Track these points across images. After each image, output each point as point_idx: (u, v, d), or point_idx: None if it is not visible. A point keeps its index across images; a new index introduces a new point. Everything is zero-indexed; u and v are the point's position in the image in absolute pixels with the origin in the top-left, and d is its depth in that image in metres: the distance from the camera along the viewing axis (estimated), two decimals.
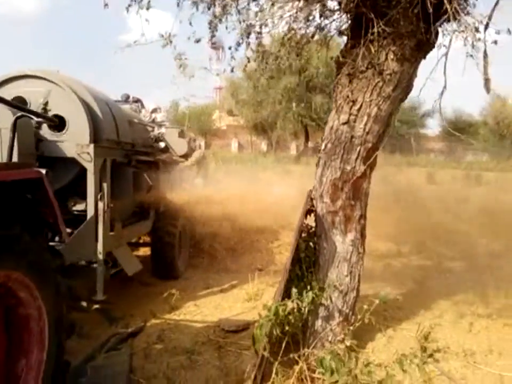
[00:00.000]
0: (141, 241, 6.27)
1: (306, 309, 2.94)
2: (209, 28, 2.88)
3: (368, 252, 6.52)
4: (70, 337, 2.65)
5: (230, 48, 3.12)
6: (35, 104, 3.77)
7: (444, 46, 2.69)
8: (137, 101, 6.59)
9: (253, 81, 20.80)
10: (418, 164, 21.08)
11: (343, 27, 2.96)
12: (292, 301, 2.85)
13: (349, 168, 2.99)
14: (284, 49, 3.28)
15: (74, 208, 4.03)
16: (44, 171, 2.31)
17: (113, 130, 4.20)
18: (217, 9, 2.84)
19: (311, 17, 2.94)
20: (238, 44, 3.03)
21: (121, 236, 4.38)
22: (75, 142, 3.70)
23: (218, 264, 6.28)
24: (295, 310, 2.89)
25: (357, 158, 2.97)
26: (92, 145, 3.67)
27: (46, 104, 3.79)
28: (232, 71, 3.31)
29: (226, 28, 2.95)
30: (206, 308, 4.61)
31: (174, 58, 2.42)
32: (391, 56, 2.74)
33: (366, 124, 2.89)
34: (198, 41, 2.91)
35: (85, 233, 3.71)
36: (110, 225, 4.08)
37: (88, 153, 3.66)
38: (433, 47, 2.78)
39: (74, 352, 3.44)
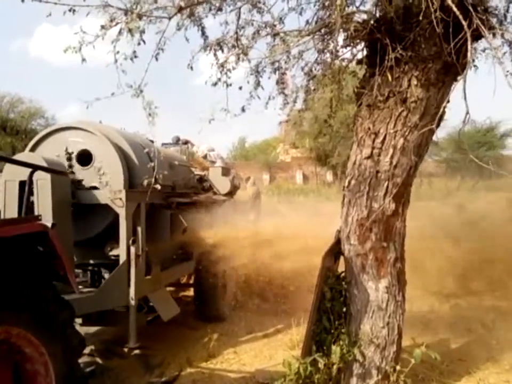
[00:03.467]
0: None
1: (335, 367, 2.63)
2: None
3: (435, 290, 5.93)
4: None
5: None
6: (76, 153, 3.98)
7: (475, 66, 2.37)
8: (186, 142, 6.78)
9: (314, 112, 20.76)
10: (501, 188, 19.33)
11: (359, 55, 2.75)
12: (319, 358, 2.57)
13: (376, 206, 2.70)
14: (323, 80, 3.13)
15: (111, 253, 4.08)
16: (49, 224, 2.34)
17: (150, 175, 4.27)
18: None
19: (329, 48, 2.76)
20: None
21: (159, 280, 4.36)
22: (110, 189, 3.79)
23: (266, 306, 6.02)
24: (322, 368, 2.60)
25: (385, 195, 2.68)
26: (123, 191, 3.74)
27: (84, 153, 3.98)
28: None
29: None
30: (246, 356, 4.37)
31: (144, 107, 2.38)
32: (414, 82, 2.47)
33: (392, 157, 2.61)
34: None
35: (117, 279, 3.73)
36: (146, 268, 4.09)
37: (121, 198, 3.73)
38: (465, 67, 2.47)
39: None
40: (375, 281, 2.79)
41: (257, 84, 2.77)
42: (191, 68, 2.52)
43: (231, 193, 6.11)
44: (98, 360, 4.24)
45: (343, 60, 2.88)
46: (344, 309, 2.93)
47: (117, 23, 2.12)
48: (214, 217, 5.35)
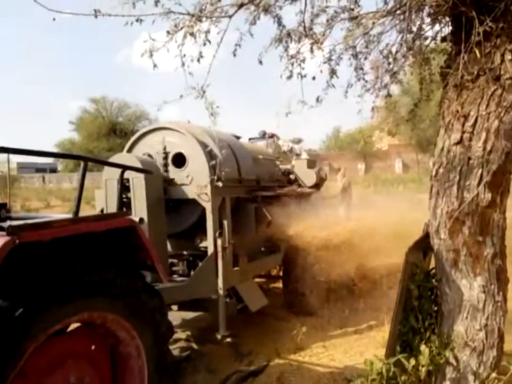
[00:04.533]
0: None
1: (424, 369, 2.46)
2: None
3: None
4: (173, 376, 2.75)
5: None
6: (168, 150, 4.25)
7: None
8: (272, 136, 6.83)
9: (411, 96, 19.49)
10: None
11: (444, 33, 2.49)
12: (404, 359, 2.43)
13: (469, 196, 2.44)
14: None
15: (201, 245, 4.31)
16: (137, 219, 2.53)
17: (234, 169, 4.40)
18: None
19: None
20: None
21: (246, 271, 4.48)
22: (196, 184, 3.99)
23: (358, 301, 5.83)
24: (410, 370, 2.45)
25: (479, 184, 2.41)
26: (208, 186, 3.90)
27: (179, 155, 4.22)
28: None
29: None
30: (335, 351, 4.30)
31: (206, 108, 2.39)
32: (508, 57, 2.16)
33: (485, 142, 2.33)
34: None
35: (205, 270, 3.92)
36: (233, 260, 4.24)
37: (206, 193, 3.90)
38: None
39: None
40: (470, 279, 2.53)
41: (332, 73, 2.67)
42: (260, 62, 2.52)
43: (317, 186, 6.02)
44: (194, 345, 4.49)
45: (425, 38, 2.64)
46: (435, 308, 2.71)
47: (181, 28, 2.20)
48: (300, 209, 5.33)
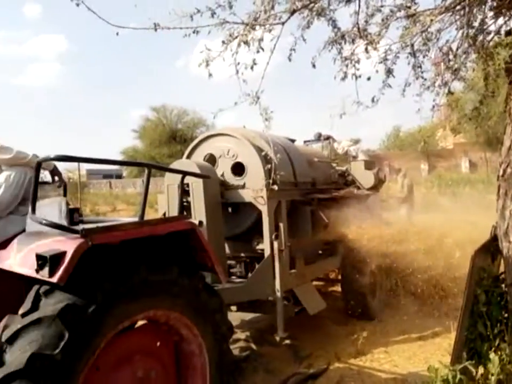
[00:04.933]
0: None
1: (494, 378, 2.34)
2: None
3: None
4: (233, 375, 2.82)
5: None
6: (223, 157, 4.37)
7: None
8: (328, 138, 6.77)
9: (476, 92, 18.36)
10: None
11: (509, 26, 2.34)
12: (471, 366, 2.32)
13: None
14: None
15: (257, 247, 4.37)
16: (197, 222, 2.63)
17: (289, 172, 4.42)
18: None
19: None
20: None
21: (303, 274, 4.48)
22: (252, 188, 4.06)
23: (422, 306, 5.60)
24: (478, 378, 2.34)
25: None
26: (264, 190, 3.96)
27: (233, 156, 4.33)
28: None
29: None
30: (398, 357, 4.17)
31: (260, 113, 2.40)
32: None
33: None
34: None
35: (262, 272, 3.97)
36: (290, 263, 4.26)
37: (262, 197, 3.96)
38: None
39: None
40: None
41: (389, 72, 2.61)
42: (313, 65, 2.53)
43: (376, 187, 5.88)
44: (253, 346, 4.56)
45: (488, 33, 2.51)
46: (505, 315, 2.56)
47: (236, 37, 2.26)
48: (358, 212, 5.23)
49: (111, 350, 2.15)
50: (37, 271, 1.83)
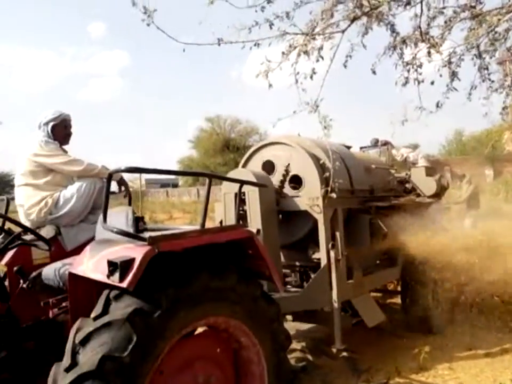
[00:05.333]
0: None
1: None
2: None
3: None
4: None
5: None
6: (280, 166, 4.38)
7: None
8: (385, 143, 6.61)
9: None
10: None
11: None
12: None
13: None
14: None
15: (313, 256, 4.33)
16: (254, 230, 2.66)
17: (345, 180, 4.35)
18: None
19: None
20: None
21: (361, 284, 4.37)
22: (308, 196, 4.04)
23: (490, 320, 5.26)
24: None
25: None
26: (320, 198, 3.92)
27: (288, 166, 4.33)
28: None
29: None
30: (464, 374, 3.94)
31: (320, 121, 2.36)
32: None
33: None
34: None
35: (319, 282, 3.92)
36: (347, 273, 4.17)
37: (318, 205, 3.93)
38: None
39: None
40: None
41: (453, 75, 2.51)
42: (374, 72, 2.49)
43: (438, 195, 5.62)
44: (309, 357, 4.50)
45: None
46: None
47: (295, 47, 2.28)
48: (418, 221, 5.03)
49: (174, 354, 2.22)
50: (108, 276, 1.94)
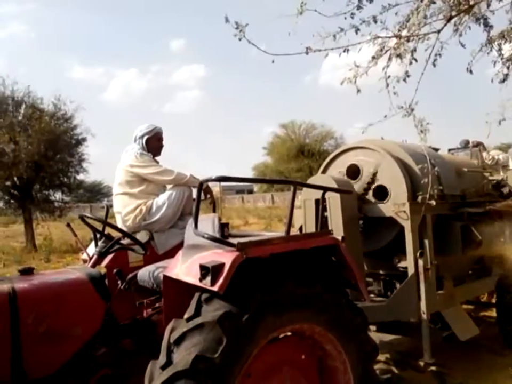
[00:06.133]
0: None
1: None
2: None
3: None
4: None
5: None
6: (366, 173, 4.25)
7: None
8: (477, 145, 6.15)
9: None
10: None
11: None
12: None
13: None
14: None
15: (399, 265, 4.14)
16: (339, 237, 2.62)
17: (435, 185, 4.11)
18: None
19: None
20: None
21: (452, 295, 4.09)
22: (393, 202, 3.89)
23: None
24: None
25: None
26: (407, 204, 3.75)
27: (375, 174, 4.19)
28: None
29: None
30: None
31: (415, 125, 2.22)
32: None
33: None
34: None
35: (406, 291, 3.74)
36: (437, 283, 3.94)
37: (405, 211, 3.76)
38: None
39: None
40: None
41: None
42: (470, 71, 2.34)
43: None
44: (394, 369, 4.32)
45: None
46: None
47: (386, 51, 2.22)
48: None
49: (262, 358, 2.26)
50: (200, 280, 2.03)
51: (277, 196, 34.72)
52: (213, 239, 2.15)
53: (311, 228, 3.95)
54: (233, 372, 2.03)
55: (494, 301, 5.18)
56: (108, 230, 3.19)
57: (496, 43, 2.28)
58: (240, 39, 2.23)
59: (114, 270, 3.00)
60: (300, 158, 38.59)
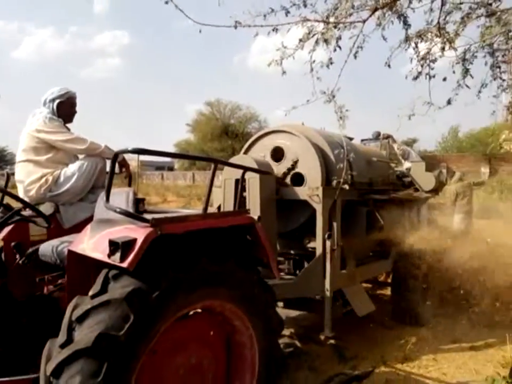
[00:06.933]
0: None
1: None
2: None
3: None
4: (279, 370, 2.84)
5: None
6: (287, 157, 4.35)
7: None
8: (387, 137, 6.60)
9: None
10: None
11: None
12: None
13: None
14: None
15: (309, 245, 4.37)
16: (256, 217, 2.67)
17: (346, 172, 4.36)
18: None
19: None
20: None
21: (354, 275, 4.43)
22: (308, 186, 4.05)
23: (476, 315, 5.36)
24: None
25: None
26: (320, 188, 3.94)
27: (296, 162, 4.31)
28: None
29: None
30: (447, 365, 4.04)
31: (335, 111, 2.36)
32: None
33: None
34: None
35: (313, 270, 3.97)
36: (341, 263, 4.22)
37: (318, 195, 3.94)
38: None
39: (300, 383, 3.67)
40: None
41: (466, 72, 2.51)
42: (389, 65, 2.48)
43: (436, 191, 5.67)
44: (297, 343, 4.58)
45: None
46: None
47: (314, 35, 2.26)
48: (415, 215, 5.08)
49: (169, 335, 2.24)
50: (109, 256, 1.94)
51: (199, 175, 34.29)
52: (126, 213, 2.07)
53: (229, 207, 3.98)
54: (138, 350, 1.99)
55: (389, 280, 5.68)
56: (8, 200, 2.92)
57: (413, 41, 2.45)
58: (166, 3, 2.12)
59: (13, 243, 2.77)
60: (224, 138, 38.41)
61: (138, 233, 1.97)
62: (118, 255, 1.91)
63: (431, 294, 5.30)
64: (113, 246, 1.93)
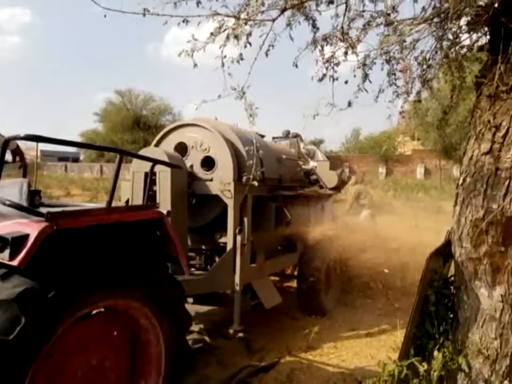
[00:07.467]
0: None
1: (436, 373, 2.49)
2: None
3: None
4: (187, 366, 2.82)
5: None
6: (194, 148, 4.32)
7: None
8: (296, 136, 6.85)
9: (438, 101, 18.99)
10: None
11: (481, 42, 2.49)
12: (417, 362, 2.46)
13: (495, 206, 2.44)
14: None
15: (220, 240, 4.38)
16: (165, 212, 2.61)
17: (256, 168, 4.44)
18: None
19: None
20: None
21: (263, 268, 4.54)
22: (220, 181, 4.06)
23: (372, 304, 5.84)
24: (422, 374, 2.48)
25: (505, 195, 2.41)
26: (232, 183, 3.97)
27: (202, 146, 4.29)
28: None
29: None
30: (346, 352, 4.33)
31: (245, 109, 2.43)
32: None
33: None
34: None
35: (223, 265, 3.99)
36: (251, 257, 4.30)
37: (229, 190, 3.97)
38: None
39: (208, 378, 3.68)
40: (489, 288, 2.53)
41: (365, 77, 2.69)
42: (296, 65, 2.57)
43: (338, 188, 6.04)
44: (206, 338, 4.57)
45: (462, 47, 2.64)
46: (451, 315, 2.73)
47: (225, 30, 2.26)
48: (319, 211, 5.36)
49: (67, 337, 2.10)
50: None
51: (107, 167, 32.48)
52: (17, 206, 1.88)
53: (138, 201, 3.83)
54: (31, 354, 1.84)
55: (296, 273, 5.93)
56: None
57: (319, 44, 2.56)
58: None
59: None
60: (135, 129, 36.83)
61: (31, 228, 1.80)
62: (7, 252, 1.73)
63: (333, 285, 5.64)
64: (2, 242, 1.75)
